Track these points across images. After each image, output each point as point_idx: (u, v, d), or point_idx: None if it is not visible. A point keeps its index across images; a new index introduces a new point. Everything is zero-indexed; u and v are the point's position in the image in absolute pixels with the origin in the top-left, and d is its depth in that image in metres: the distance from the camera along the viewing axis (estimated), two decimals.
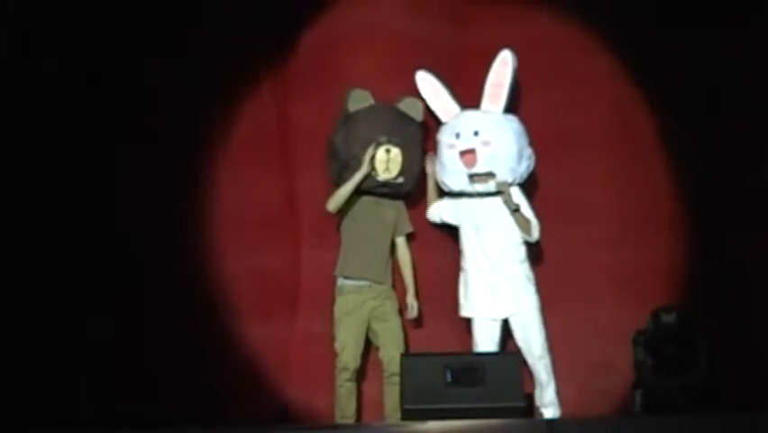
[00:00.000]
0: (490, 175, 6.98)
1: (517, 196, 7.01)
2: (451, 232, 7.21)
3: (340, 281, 7.01)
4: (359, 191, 7.03)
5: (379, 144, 6.98)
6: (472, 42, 7.42)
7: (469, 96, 7.28)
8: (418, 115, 7.19)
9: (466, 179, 7.02)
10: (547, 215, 7.11)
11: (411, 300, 7.06)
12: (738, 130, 7.12)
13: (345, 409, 6.88)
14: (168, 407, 6.81)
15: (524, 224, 6.94)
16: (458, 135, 7.04)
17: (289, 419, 7.01)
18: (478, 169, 6.98)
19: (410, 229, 7.16)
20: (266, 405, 7.02)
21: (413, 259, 7.13)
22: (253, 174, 7.29)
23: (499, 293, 6.95)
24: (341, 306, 6.97)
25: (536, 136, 7.19)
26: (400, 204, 7.16)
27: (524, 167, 7.07)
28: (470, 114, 7.12)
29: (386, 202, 7.11)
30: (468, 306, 7.03)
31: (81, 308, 6.93)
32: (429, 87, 7.24)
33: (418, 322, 7.11)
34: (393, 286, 7.08)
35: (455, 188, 7.08)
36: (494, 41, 7.31)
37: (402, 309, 7.06)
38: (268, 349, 7.15)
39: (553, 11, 7.42)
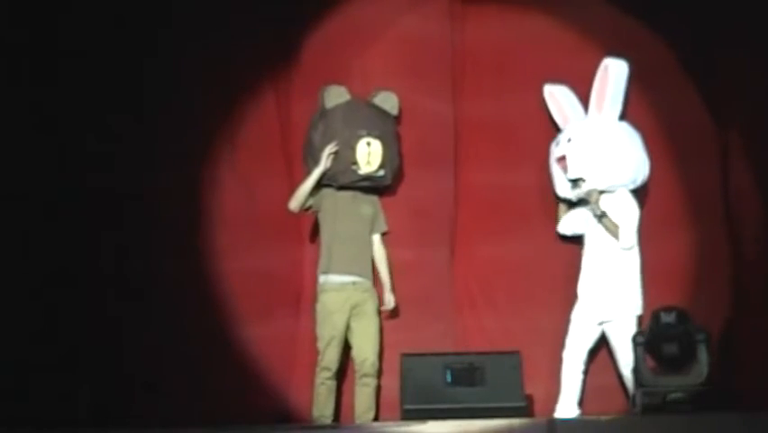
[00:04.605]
0: (581, 181, 6.98)
1: (625, 201, 6.93)
2: (446, 232, 7.26)
3: (322, 279, 6.96)
4: (339, 187, 7.01)
5: (358, 138, 6.95)
6: (475, 42, 7.42)
7: (467, 95, 7.34)
8: (393, 110, 7.17)
9: (569, 186, 7.04)
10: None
11: (389, 295, 7.03)
12: (742, 129, 7.11)
13: (324, 409, 6.84)
14: (168, 407, 6.82)
15: (613, 229, 6.89)
16: (557, 143, 7.09)
17: (289, 419, 7.02)
18: (570, 175, 7.00)
19: (386, 228, 7.13)
20: (266, 405, 7.03)
21: (388, 256, 7.10)
22: (256, 174, 7.30)
23: (599, 299, 6.92)
24: (324, 304, 6.93)
25: None
26: (375, 199, 7.14)
27: (630, 173, 6.99)
28: (576, 122, 7.10)
29: (362, 197, 7.08)
30: (576, 308, 6.99)
31: (81, 309, 6.95)
32: (554, 99, 7.21)
33: (416, 323, 7.11)
34: (374, 284, 7.04)
35: (562, 195, 7.12)
36: (495, 42, 7.37)
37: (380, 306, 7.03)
38: (269, 349, 7.14)
39: (556, 11, 7.42)
